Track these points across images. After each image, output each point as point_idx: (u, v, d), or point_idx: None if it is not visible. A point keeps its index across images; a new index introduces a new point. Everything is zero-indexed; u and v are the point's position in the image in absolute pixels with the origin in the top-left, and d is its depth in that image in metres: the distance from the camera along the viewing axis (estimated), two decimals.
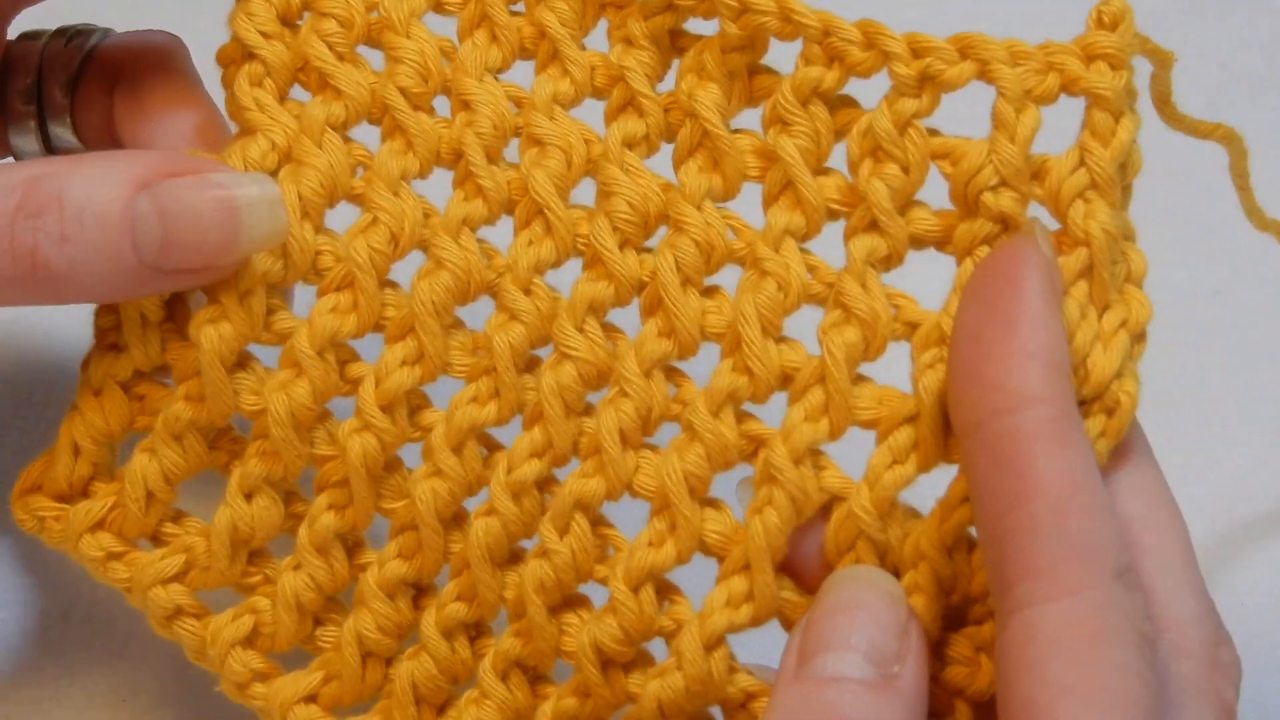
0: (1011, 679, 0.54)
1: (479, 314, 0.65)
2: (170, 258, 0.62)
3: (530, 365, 0.65)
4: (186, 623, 0.67)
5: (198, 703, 0.74)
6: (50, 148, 0.71)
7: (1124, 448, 0.60)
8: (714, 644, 0.61)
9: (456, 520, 0.65)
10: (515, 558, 0.65)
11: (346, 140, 0.66)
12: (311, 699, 0.66)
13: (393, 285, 0.66)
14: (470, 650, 0.65)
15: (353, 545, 0.67)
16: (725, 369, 0.62)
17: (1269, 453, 0.86)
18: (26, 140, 0.71)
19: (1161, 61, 0.62)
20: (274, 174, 0.65)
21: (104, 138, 0.71)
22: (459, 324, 0.65)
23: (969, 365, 0.57)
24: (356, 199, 0.66)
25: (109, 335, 0.67)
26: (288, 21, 0.66)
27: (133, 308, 0.66)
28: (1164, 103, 0.64)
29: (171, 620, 0.67)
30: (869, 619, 0.59)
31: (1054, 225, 0.61)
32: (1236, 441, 0.85)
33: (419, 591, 0.66)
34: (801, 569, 0.63)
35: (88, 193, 0.61)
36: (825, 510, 0.62)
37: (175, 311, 0.66)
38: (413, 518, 0.65)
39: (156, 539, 0.67)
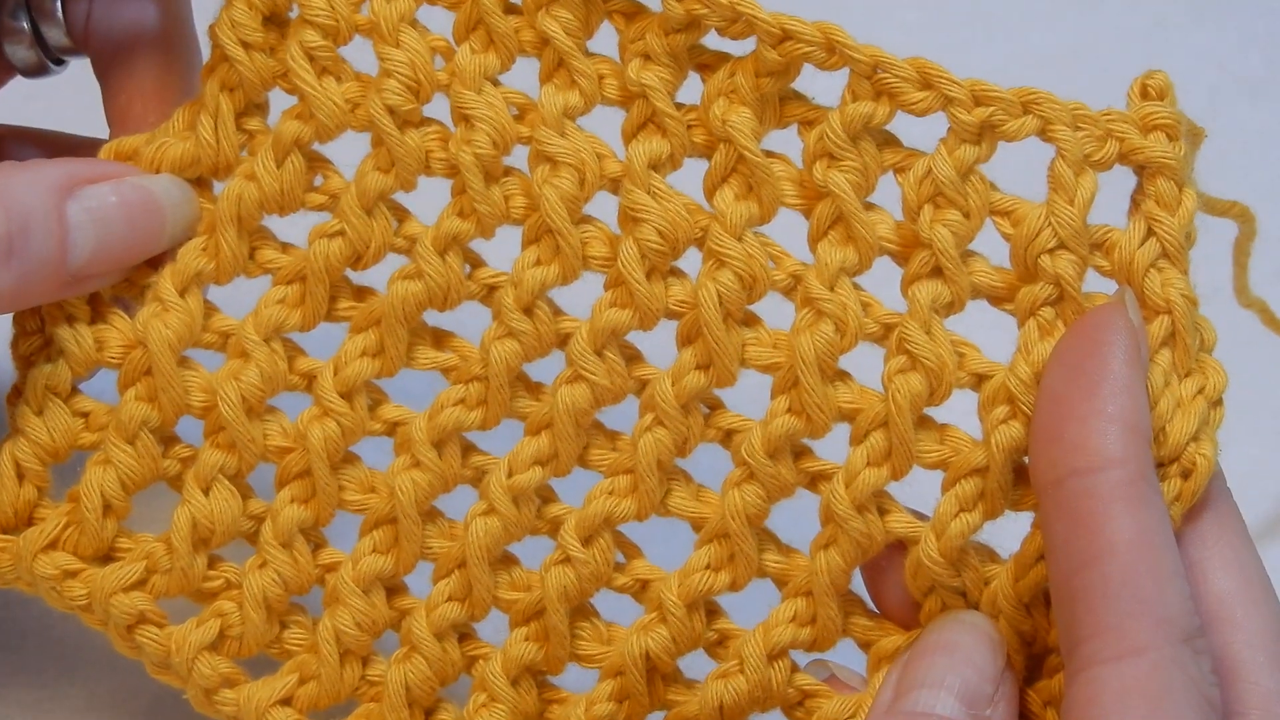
0: None
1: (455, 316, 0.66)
2: (98, 261, 0.63)
3: (520, 376, 0.65)
4: (149, 631, 0.66)
5: None
6: (48, 53, 0.70)
7: (1217, 521, 0.61)
8: (776, 654, 0.63)
9: (431, 517, 0.65)
10: (504, 560, 0.65)
11: (311, 156, 0.65)
12: (287, 702, 0.66)
13: (348, 283, 0.65)
14: (459, 652, 0.66)
15: (315, 546, 0.66)
16: (780, 409, 0.62)
17: (1269, 453, 0.86)
18: (22, 52, 0.70)
19: (1195, 138, 0.63)
20: (194, 181, 0.65)
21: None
22: (423, 324, 0.65)
23: (1051, 424, 0.58)
24: (319, 208, 0.65)
25: (35, 353, 0.66)
26: (276, 16, 0.65)
27: (57, 311, 0.65)
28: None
29: (134, 630, 0.66)
30: (966, 661, 0.60)
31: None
32: (1236, 441, 0.85)
33: (389, 591, 0.66)
34: (886, 599, 0.64)
35: (25, 205, 0.61)
36: (902, 544, 0.63)
37: (100, 313, 0.66)
38: (387, 513, 0.65)
39: (110, 558, 0.66)
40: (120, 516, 0.66)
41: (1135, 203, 0.62)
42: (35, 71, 0.71)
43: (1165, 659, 0.55)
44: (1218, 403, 0.61)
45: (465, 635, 0.66)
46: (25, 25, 0.69)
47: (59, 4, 0.69)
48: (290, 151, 0.64)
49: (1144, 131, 0.61)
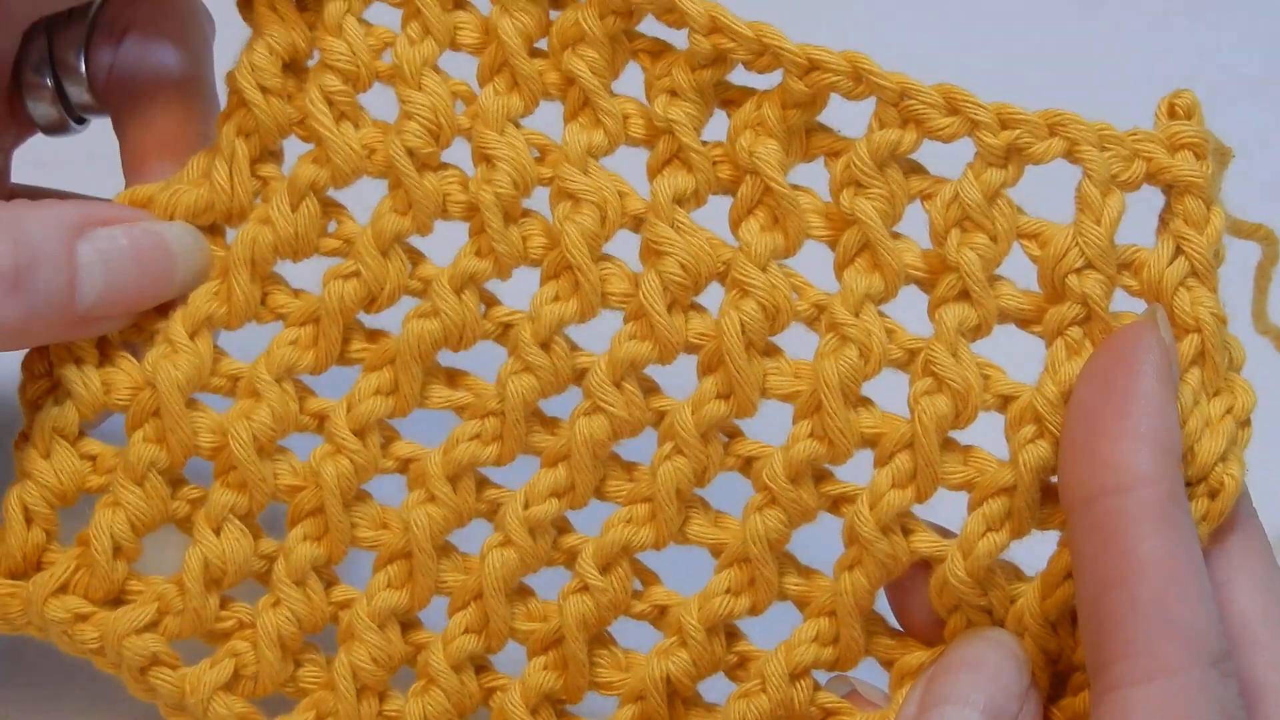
0: None
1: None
2: (106, 303, 0.63)
3: (535, 411, 0.64)
4: (163, 673, 0.65)
5: None
6: (70, 111, 0.70)
7: (1244, 542, 0.61)
8: (799, 674, 0.63)
9: (445, 551, 0.65)
10: (520, 591, 0.65)
11: (327, 202, 0.65)
12: None
13: (361, 327, 0.65)
14: (477, 683, 0.65)
15: (327, 584, 0.66)
16: (802, 434, 0.62)
17: (1269, 452, 0.86)
18: (44, 109, 0.70)
19: (1222, 158, 0.63)
20: (208, 228, 0.65)
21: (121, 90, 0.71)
22: (436, 364, 0.65)
23: (1082, 442, 0.58)
24: (332, 253, 0.65)
25: (43, 396, 0.65)
26: (295, 64, 0.65)
27: (65, 354, 0.65)
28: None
29: (146, 672, 0.65)
30: (991, 678, 0.60)
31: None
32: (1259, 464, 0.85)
33: (404, 626, 0.66)
34: (910, 616, 0.64)
35: (34, 243, 0.61)
36: (927, 562, 0.63)
37: (108, 356, 0.66)
38: (401, 547, 0.65)
39: (121, 600, 0.66)
40: (130, 559, 0.66)
41: (1163, 221, 0.62)
42: (56, 129, 0.71)
43: (1194, 682, 0.54)
44: (1246, 422, 0.61)
45: (482, 667, 0.66)
46: (48, 81, 0.69)
47: (83, 60, 0.69)
48: (305, 195, 0.64)
49: (1171, 150, 0.61)
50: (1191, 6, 0.99)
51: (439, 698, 0.65)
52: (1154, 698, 0.54)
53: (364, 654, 0.65)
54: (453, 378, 0.65)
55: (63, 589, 0.65)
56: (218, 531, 0.65)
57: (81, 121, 0.71)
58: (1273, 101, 0.96)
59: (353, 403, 0.64)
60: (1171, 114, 0.61)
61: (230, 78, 0.65)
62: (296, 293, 0.65)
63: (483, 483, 0.65)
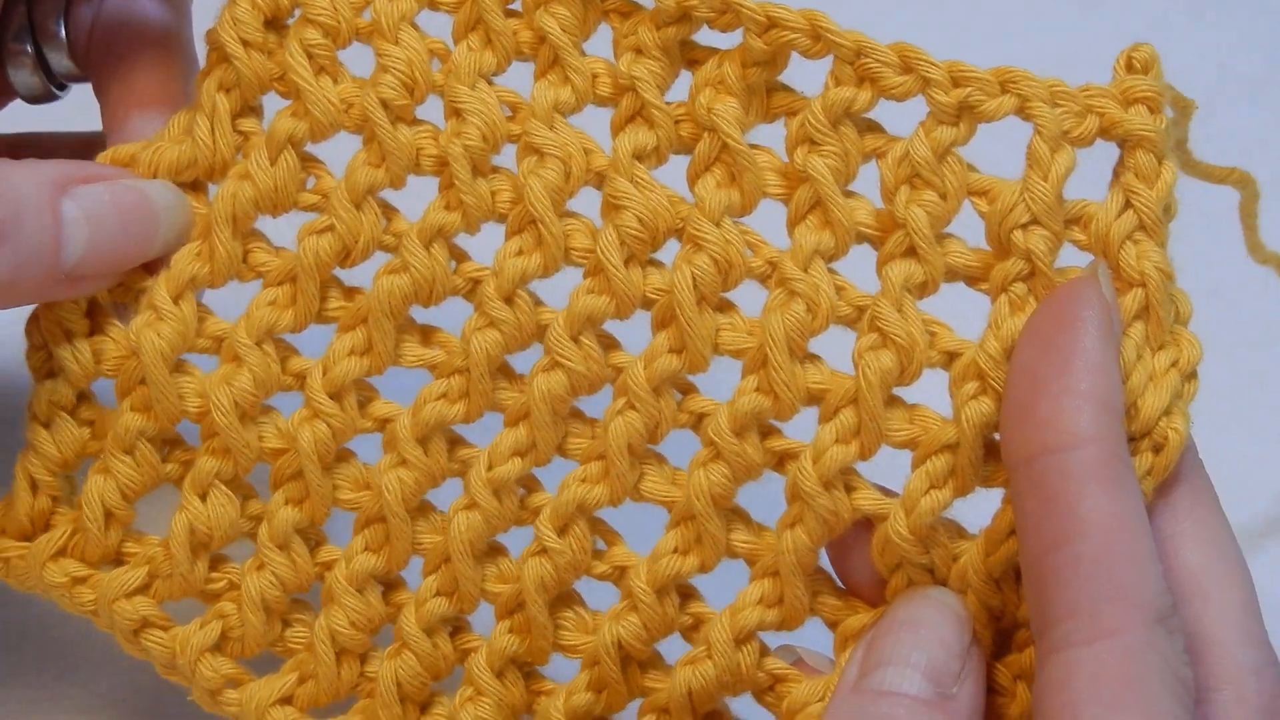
0: (1049, 718, 0.55)
1: (442, 311, 0.65)
2: (91, 261, 0.63)
3: (502, 368, 0.65)
4: (154, 635, 0.66)
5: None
6: (51, 78, 0.71)
7: (1190, 494, 0.60)
8: (744, 638, 0.62)
9: (422, 512, 0.65)
10: (492, 551, 0.65)
11: (305, 157, 0.65)
12: (287, 701, 0.66)
13: (338, 283, 0.65)
14: (451, 645, 0.66)
15: (314, 544, 0.67)
16: (749, 388, 0.62)
17: (1269, 452, 0.86)
18: (25, 76, 0.70)
19: (1183, 109, 0.63)
20: (190, 184, 0.65)
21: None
22: (412, 321, 0.65)
23: (1022, 401, 0.58)
24: (311, 208, 0.65)
25: (43, 365, 0.66)
26: (277, 20, 0.65)
27: (56, 328, 0.66)
28: (1180, 149, 0.64)
29: (139, 634, 0.66)
30: (932, 638, 0.60)
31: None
32: (1236, 442, 0.85)
33: (387, 587, 0.66)
34: (852, 576, 0.64)
35: (16, 198, 0.61)
36: (869, 521, 0.62)
37: (98, 324, 0.66)
38: (378, 510, 0.65)
39: (119, 561, 0.67)
40: (124, 523, 0.66)
41: (1116, 175, 0.62)
42: (36, 96, 0.71)
43: (1139, 641, 0.54)
44: (1192, 376, 0.61)
45: (459, 628, 0.66)
46: (29, 48, 0.69)
47: (62, 26, 0.69)
48: (284, 148, 0.64)
49: (1125, 105, 0.61)
50: (1191, 6, 0.98)
51: (410, 661, 0.65)
52: (1098, 658, 0.54)
53: (342, 618, 0.65)
54: (427, 335, 0.66)
55: (61, 553, 0.66)
56: (203, 497, 0.65)
57: (62, 88, 0.71)
58: (1273, 101, 0.96)
59: (328, 365, 0.64)
60: (1129, 68, 0.61)
61: (211, 33, 0.65)
62: (277, 251, 0.66)
63: (456, 442, 0.65)
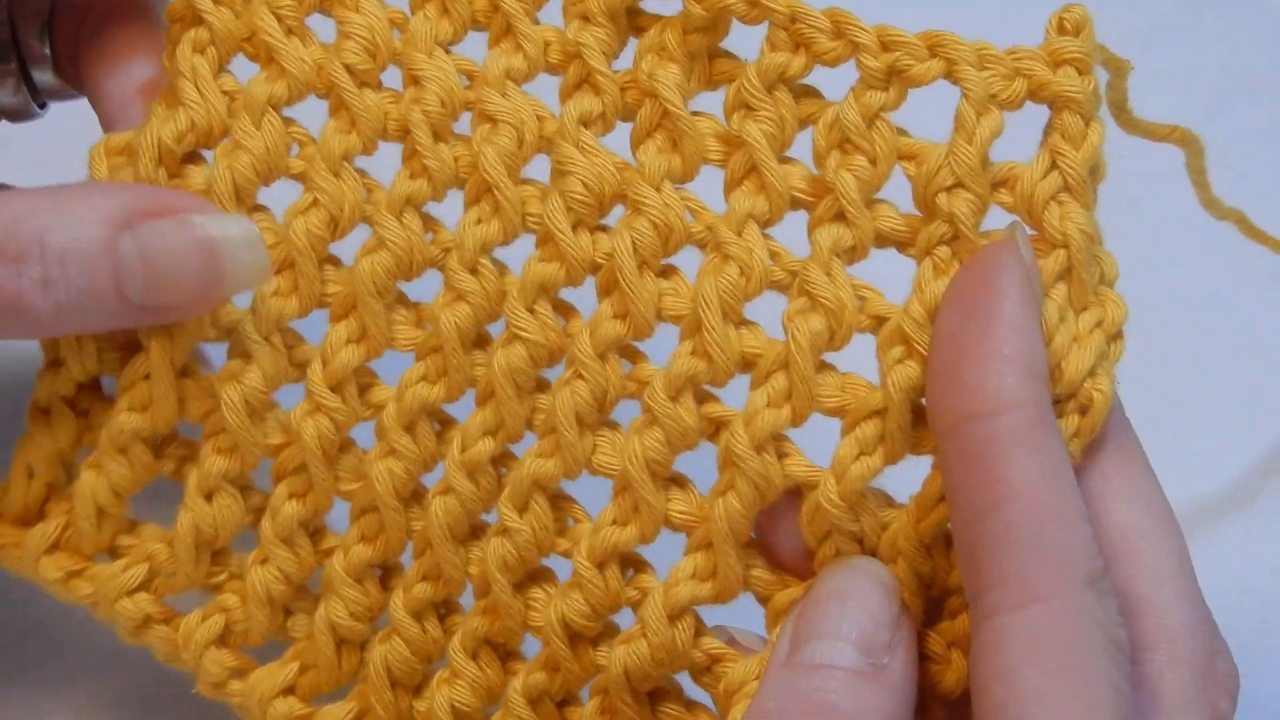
0: (984, 686, 0.54)
1: (427, 288, 0.65)
2: (155, 297, 0.62)
3: (480, 341, 0.64)
4: (157, 629, 0.66)
5: (196, 702, 0.74)
6: (35, 94, 0.70)
7: (1118, 453, 0.60)
8: (677, 614, 0.62)
9: (416, 497, 0.65)
10: (478, 532, 0.65)
11: (286, 121, 0.65)
12: (290, 690, 0.66)
13: (334, 261, 0.65)
14: (441, 629, 0.65)
15: (314, 531, 0.66)
16: (684, 352, 0.62)
17: (1268, 453, 0.86)
18: (8, 92, 0.70)
19: (1118, 69, 0.62)
20: (190, 154, 0.65)
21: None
22: (402, 298, 0.65)
23: (946, 368, 0.57)
24: (298, 177, 0.65)
25: (50, 353, 0.66)
26: None
27: None
28: (1120, 109, 0.64)
29: (141, 630, 0.66)
30: (860, 608, 0.59)
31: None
32: (1235, 442, 0.86)
33: (385, 572, 0.66)
34: (780, 549, 0.63)
35: (70, 235, 0.60)
36: (798, 492, 0.62)
37: None
38: (371, 500, 0.65)
39: (114, 553, 0.67)
40: (118, 518, 0.66)
41: (1045, 137, 0.61)
42: (17, 115, 0.71)
43: (1070, 605, 0.54)
44: (1117, 336, 0.60)
45: (451, 610, 0.66)
46: (13, 66, 0.69)
47: (48, 45, 0.69)
48: (265, 111, 0.64)
49: (1053, 67, 0.61)
50: (1191, 6, 0.98)
51: (399, 647, 0.65)
52: (1032, 624, 0.54)
53: (341, 610, 0.65)
54: (421, 313, 0.65)
55: (55, 545, 0.66)
56: (209, 498, 0.65)
57: (44, 106, 0.71)
58: (1273, 101, 0.96)
59: (327, 356, 0.64)
60: (1060, 29, 0.61)
61: (172, 8, 0.65)
62: (275, 229, 0.65)
63: (448, 423, 0.65)
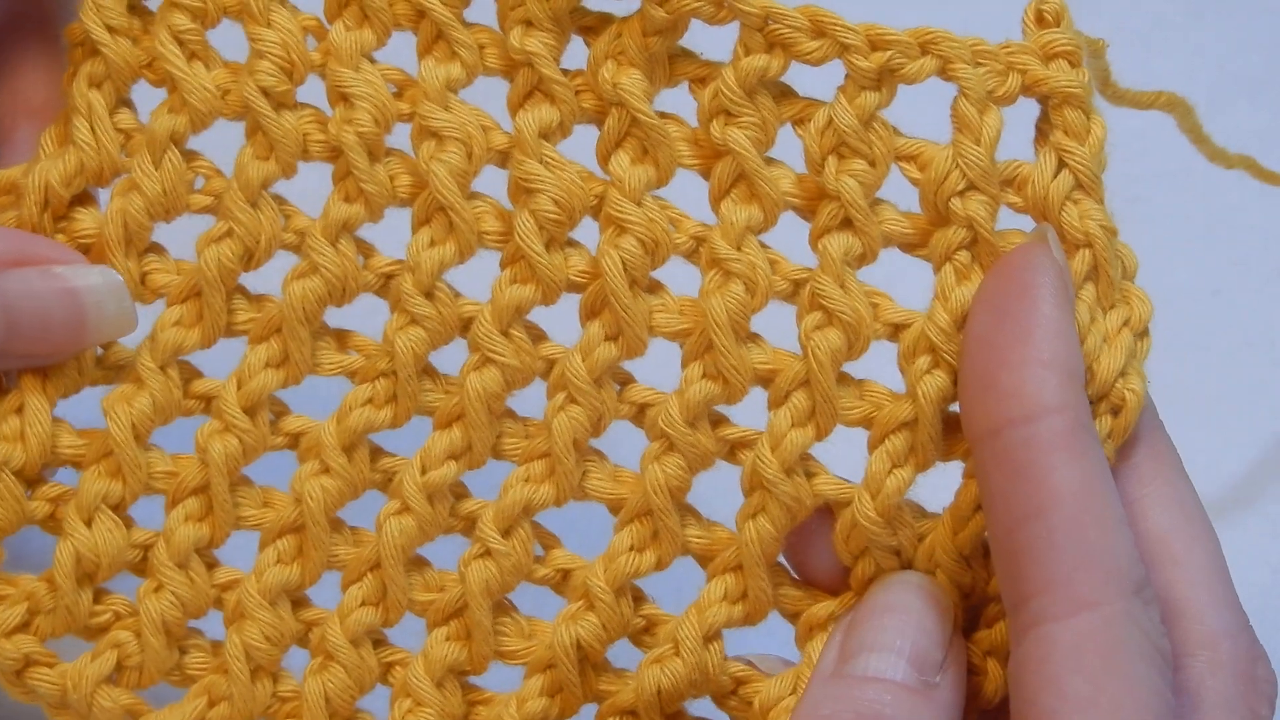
0: (1029, 693, 0.54)
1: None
2: (15, 346, 0.61)
3: (426, 368, 0.63)
4: (40, 673, 0.63)
5: None
6: None
7: (1153, 456, 0.59)
8: (711, 636, 0.61)
9: (335, 525, 0.64)
10: (416, 562, 0.64)
11: (189, 155, 0.63)
12: None
13: (244, 291, 0.63)
14: (376, 658, 0.64)
15: (209, 565, 0.64)
16: (695, 375, 0.61)
17: (1269, 453, 0.86)
18: None
19: (1095, 50, 0.61)
20: (77, 196, 0.63)
21: None
22: (324, 325, 0.63)
23: (983, 373, 0.56)
24: (207, 210, 0.63)
25: None
26: (137, 4, 0.63)
27: None
28: (1105, 84, 0.63)
29: (23, 675, 0.64)
30: (916, 624, 0.58)
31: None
32: (1236, 441, 0.86)
33: (294, 603, 0.64)
34: (809, 566, 0.63)
35: None
36: (826, 508, 0.61)
37: None
38: (291, 521, 0.63)
39: None
40: None
41: (1041, 133, 0.60)
42: None
43: (1117, 613, 0.53)
44: (1144, 333, 0.60)
45: (378, 641, 0.64)
46: None
47: None
48: (167, 148, 0.62)
49: (1045, 60, 0.60)
50: (1191, 6, 0.98)
51: (339, 673, 0.63)
52: (1078, 632, 0.53)
53: (256, 632, 0.63)
54: (342, 339, 0.64)
55: None
56: (89, 523, 0.63)
57: None
58: (1273, 101, 0.96)
59: (243, 379, 0.63)
60: (1040, 21, 0.60)
61: (72, 30, 0.63)
62: (177, 265, 0.63)
63: (377, 452, 0.64)
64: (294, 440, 0.64)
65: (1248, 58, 0.97)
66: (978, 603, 0.60)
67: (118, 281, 0.63)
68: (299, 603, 0.64)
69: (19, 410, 0.63)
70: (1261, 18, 0.98)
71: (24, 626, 0.64)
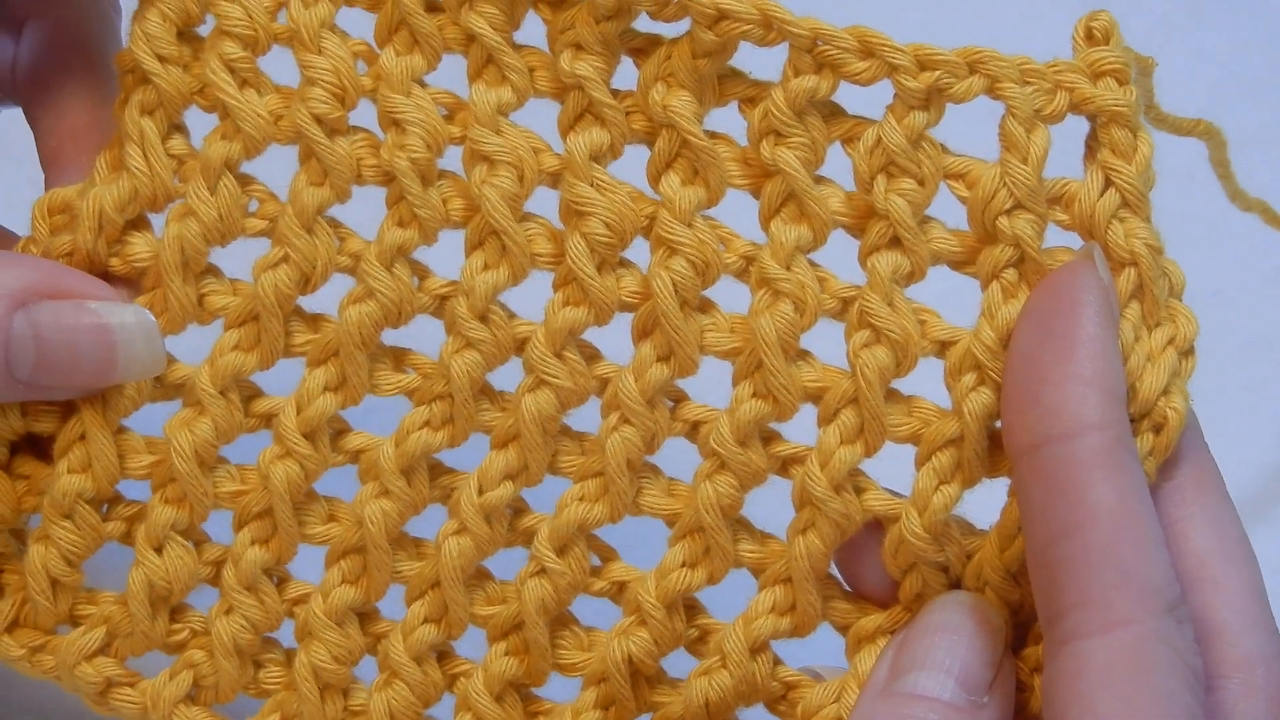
0: (1061, 708, 0.54)
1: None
2: (44, 377, 0.61)
3: (483, 388, 0.63)
4: (122, 693, 0.65)
5: None
6: None
7: (1196, 476, 0.59)
8: (759, 647, 0.62)
9: (399, 541, 0.64)
10: (478, 575, 0.64)
11: (244, 179, 0.63)
12: None
13: (300, 312, 0.63)
14: (440, 671, 0.64)
15: (279, 580, 0.65)
16: (745, 394, 0.61)
17: (1269, 453, 0.86)
18: None
19: (1144, 68, 0.62)
20: (133, 223, 0.63)
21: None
22: (380, 346, 0.64)
23: (1025, 389, 0.57)
24: (262, 233, 0.63)
25: None
26: (188, 28, 0.63)
27: None
28: (1148, 105, 0.63)
29: (105, 695, 0.65)
30: (967, 644, 0.59)
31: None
32: (1236, 441, 0.85)
33: (362, 618, 0.65)
34: (859, 579, 0.63)
35: None
36: (877, 523, 0.62)
37: None
38: (355, 542, 0.63)
39: (74, 622, 0.65)
40: (73, 587, 0.65)
41: (1090, 150, 0.60)
42: None
43: (1150, 632, 0.54)
44: (1189, 352, 0.60)
45: (444, 654, 0.65)
46: None
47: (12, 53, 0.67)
48: (221, 174, 0.62)
49: (1093, 79, 0.60)
50: (1191, 6, 0.98)
51: (402, 691, 0.64)
52: (1111, 649, 0.54)
53: (324, 653, 0.64)
54: (399, 358, 0.64)
55: (15, 623, 0.65)
56: (159, 550, 0.64)
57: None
58: (1273, 101, 0.96)
59: (302, 404, 0.63)
60: (1089, 38, 0.61)
61: (123, 56, 0.63)
62: (234, 286, 0.64)
63: (436, 468, 0.64)
64: (355, 457, 0.64)
65: (1248, 58, 0.97)
66: (1026, 619, 0.61)
67: (150, 322, 0.63)
68: (367, 616, 0.65)
69: (83, 438, 0.63)
70: (1262, 18, 0.99)
71: (104, 649, 0.65)
